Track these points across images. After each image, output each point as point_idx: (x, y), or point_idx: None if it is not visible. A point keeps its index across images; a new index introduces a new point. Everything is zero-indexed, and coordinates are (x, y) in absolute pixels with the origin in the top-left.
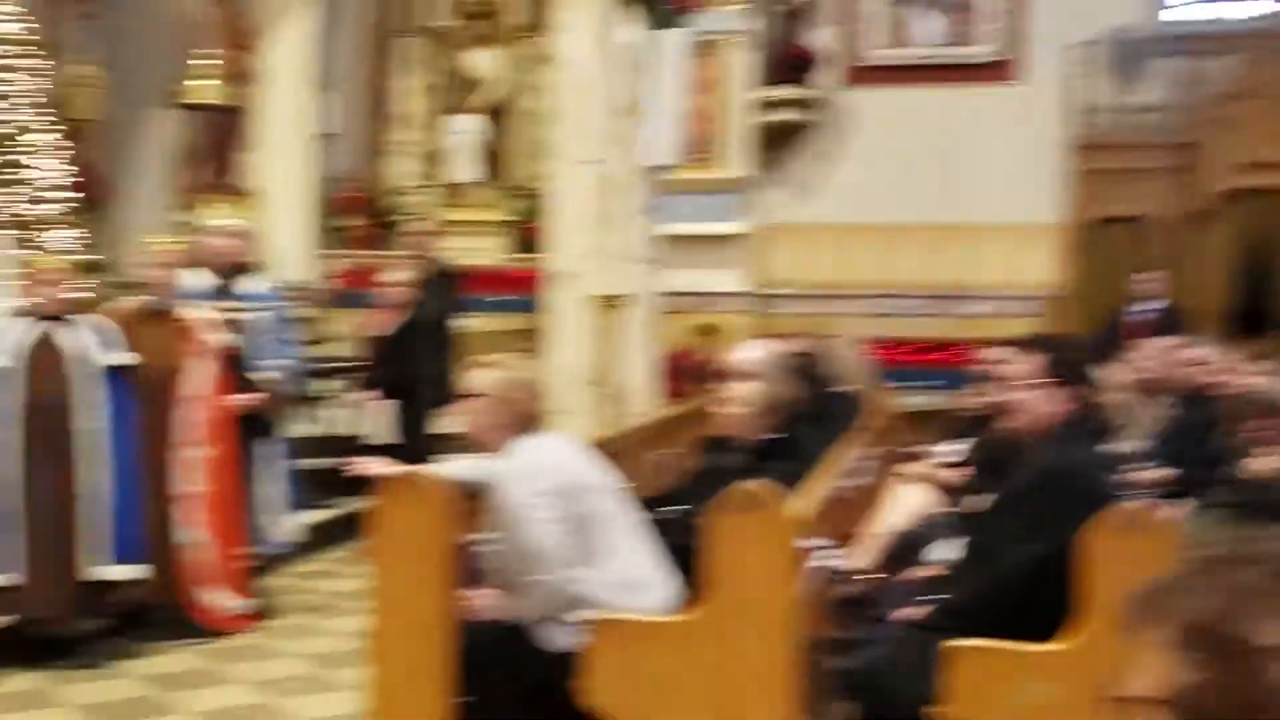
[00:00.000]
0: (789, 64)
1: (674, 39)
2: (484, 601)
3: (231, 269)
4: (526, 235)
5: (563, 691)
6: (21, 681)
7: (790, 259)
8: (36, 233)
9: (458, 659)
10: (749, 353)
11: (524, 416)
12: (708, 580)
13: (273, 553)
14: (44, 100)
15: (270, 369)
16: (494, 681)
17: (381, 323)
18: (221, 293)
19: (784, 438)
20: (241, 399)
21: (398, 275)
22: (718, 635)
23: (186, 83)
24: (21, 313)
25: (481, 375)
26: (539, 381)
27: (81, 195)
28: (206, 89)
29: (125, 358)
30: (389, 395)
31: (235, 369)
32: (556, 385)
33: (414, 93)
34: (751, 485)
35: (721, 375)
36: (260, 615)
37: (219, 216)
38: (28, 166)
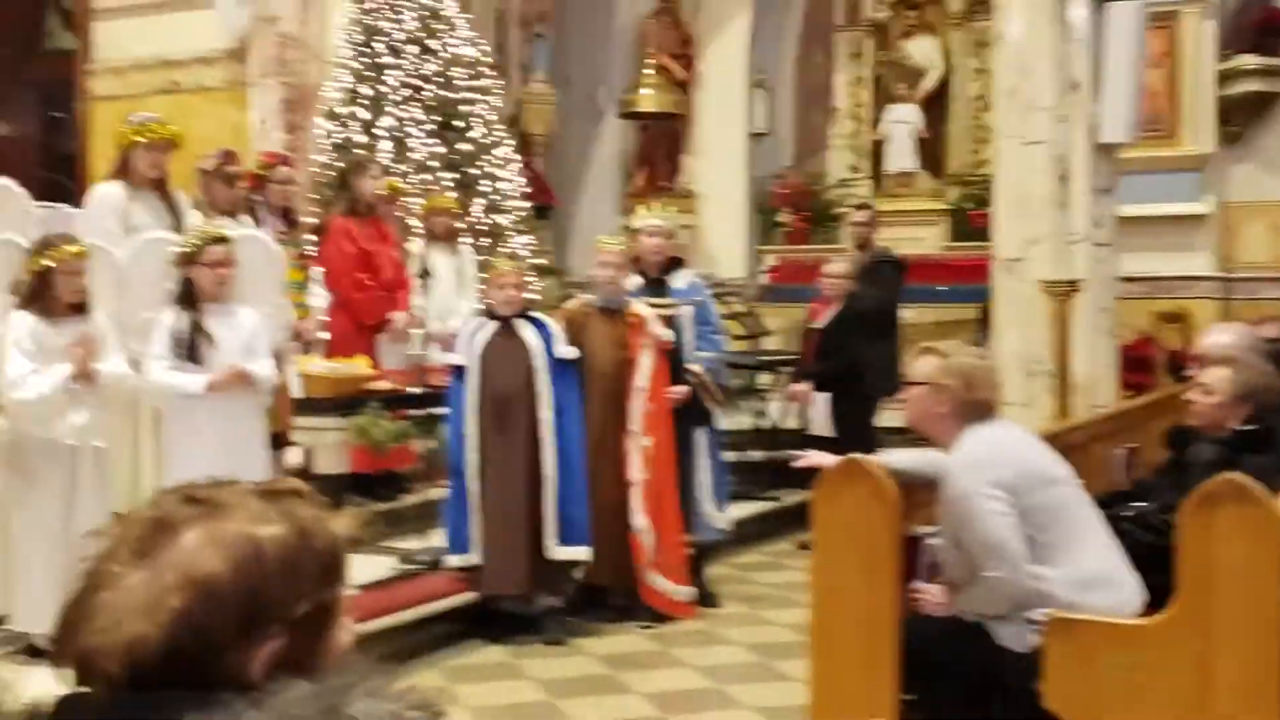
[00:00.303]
0: (1256, 31)
1: (1127, 10)
2: (932, 597)
3: (661, 266)
4: (971, 222)
5: (1016, 693)
6: (490, 654)
7: (1262, 239)
8: (496, 239)
9: (904, 655)
10: (1220, 338)
11: (972, 405)
12: (1181, 580)
13: (710, 541)
14: (500, 117)
15: (698, 362)
16: (942, 679)
17: (821, 315)
18: (652, 289)
19: (1261, 429)
20: (677, 391)
21: (836, 267)
22: (1193, 639)
23: (631, 93)
24: (481, 313)
25: (925, 363)
26: (988, 368)
27: (535, 203)
28: (649, 97)
29: (571, 352)
30: (829, 387)
31: (672, 362)
32: (1005, 375)
33: (850, 85)
34: (1235, 478)
35: (1190, 363)
36: (703, 603)
37: (648, 216)
38: (489, 179)
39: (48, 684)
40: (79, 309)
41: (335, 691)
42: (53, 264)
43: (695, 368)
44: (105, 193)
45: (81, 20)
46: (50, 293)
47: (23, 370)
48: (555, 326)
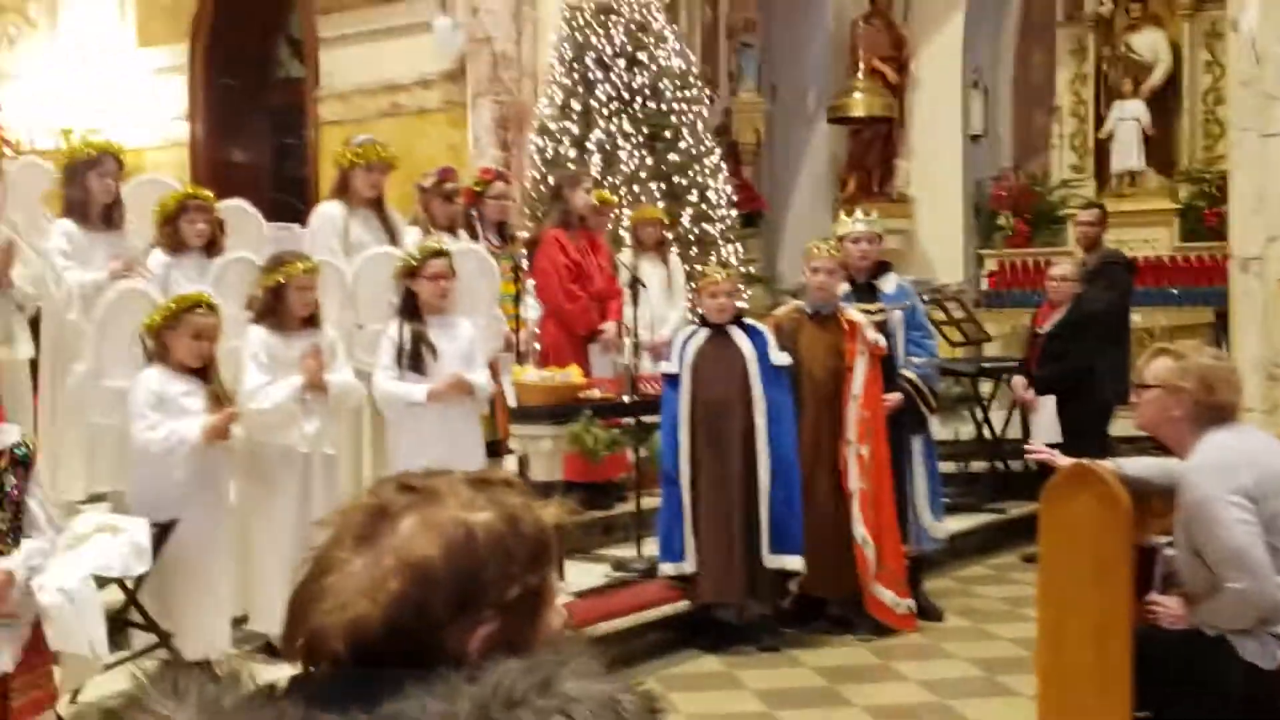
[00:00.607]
0: None
1: None
2: (1168, 609)
3: (869, 271)
4: (1204, 221)
5: (1261, 711)
6: (705, 664)
7: None
8: (705, 248)
9: (1138, 670)
10: None
11: (1210, 408)
12: None
13: (929, 552)
14: (708, 126)
15: (910, 368)
16: (1179, 696)
17: (1047, 319)
18: (860, 295)
19: None
20: (891, 398)
21: (1062, 269)
22: None
23: (841, 98)
24: (694, 321)
25: (1159, 364)
26: (1227, 369)
27: (744, 212)
28: (860, 101)
29: (785, 359)
30: (1054, 392)
31: (884, 369)
32: (1244, 380)
33: (1072, 82)
34: None
35: None
36: (924, 615)
37: (853, 222)
38: (697, 188)
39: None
40: (310, 322)
41: (547, 666)
42: (285, 280)
43: (908, 374)
44: (326, 212)
45: (309, 49)
46: (283, 307)
47: (259, 382)
48: (769, 333)
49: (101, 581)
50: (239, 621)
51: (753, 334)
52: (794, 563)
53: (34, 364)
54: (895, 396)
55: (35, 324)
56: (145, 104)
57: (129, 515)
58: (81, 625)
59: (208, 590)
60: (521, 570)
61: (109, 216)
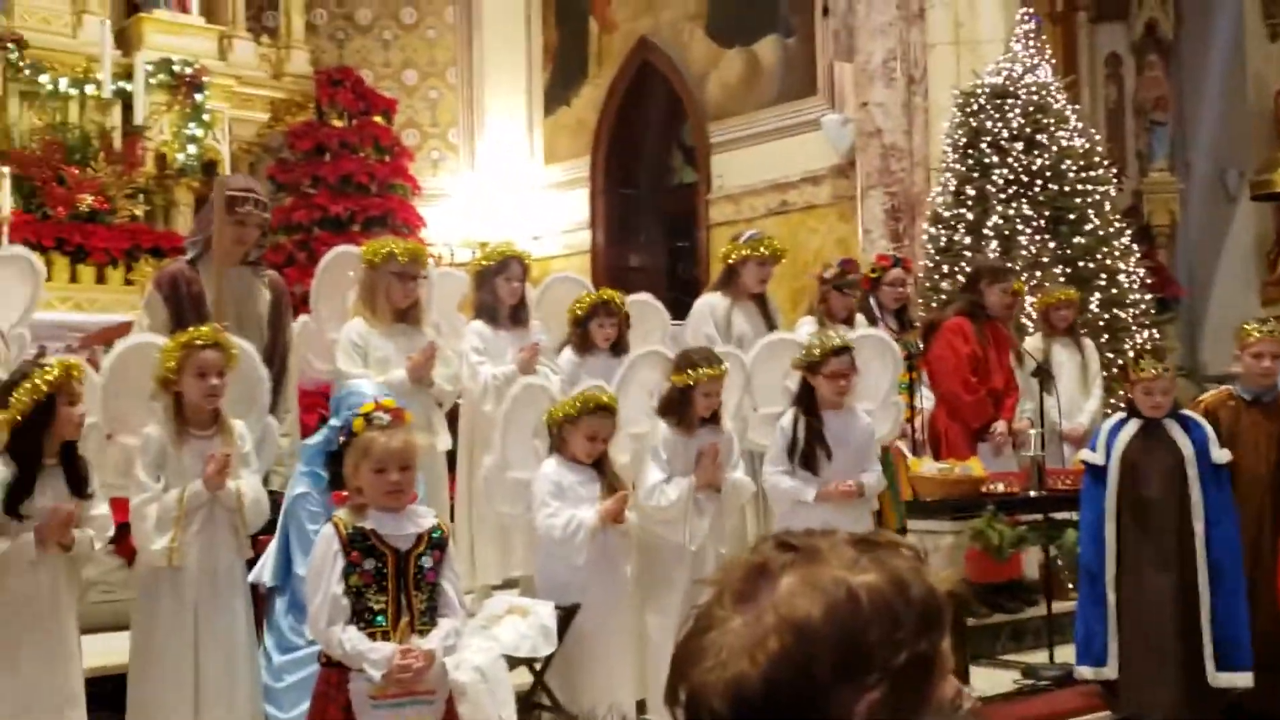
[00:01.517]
0: None
1: None
2: None
3: None
4: None
5: None
6: None
7: None
8: (1117, 335)
9: None
10: None
11: None
12: None
13: None
14: (1116, 208)
15: None
16: None
17: None
18: None
19: None
20: None
21: None
22: None
23: (1266, 173)
24: (1118, 411)
25: None
26: None
27: (1160, 296)
28: None
29: (1225, 456)
30: None
31: None
32: None
33: None
34: None
35: None
36: None
37: None
38: (1106, 272)
39: None
40: (711, 419)
41: None
42: (693, 382)
43: None
44: (709, 301)
45: (701, 155)
46: (688, 407)
47: (657, 479)
48: (1209, 428)
49: (511, 662)
50: (639, 708)
51: (1192, 428)
52: (1244, 680)
53: (451, 454)
54: None
55: (453, 418)
56: (551, 216)
57: (536, 599)
58: (494, 703)
59: (610, 672)
60: (910, 636)
61: (516, 316)
